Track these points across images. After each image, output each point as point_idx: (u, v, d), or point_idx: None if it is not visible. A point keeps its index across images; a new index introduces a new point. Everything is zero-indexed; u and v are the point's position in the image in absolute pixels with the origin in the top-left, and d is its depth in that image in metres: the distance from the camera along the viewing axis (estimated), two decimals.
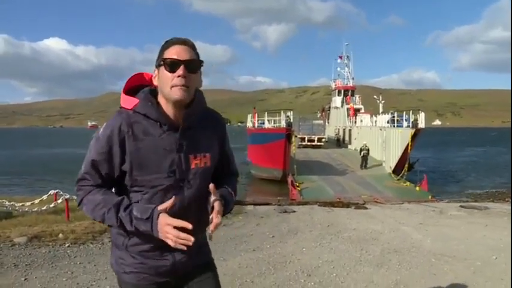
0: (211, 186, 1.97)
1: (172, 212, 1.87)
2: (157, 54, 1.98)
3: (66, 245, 7.21)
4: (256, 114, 31.10)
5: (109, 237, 7.70)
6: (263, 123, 29.69)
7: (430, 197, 18.80)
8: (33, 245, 7.07)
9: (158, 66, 1.96)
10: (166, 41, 1.97)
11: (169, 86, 1.90)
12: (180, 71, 1.88)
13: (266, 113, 30.19)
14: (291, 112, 26.76)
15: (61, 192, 10.22)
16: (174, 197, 1.88)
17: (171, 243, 1.81)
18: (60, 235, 7.63)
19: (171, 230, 1.80)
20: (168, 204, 1.86)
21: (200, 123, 2.06)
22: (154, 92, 2.01)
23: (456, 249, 7.51)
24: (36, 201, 10.14)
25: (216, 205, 1.97)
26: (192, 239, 1.80)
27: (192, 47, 1.96)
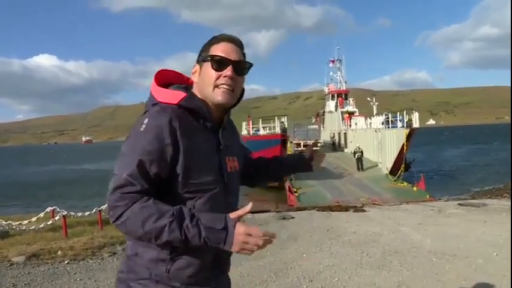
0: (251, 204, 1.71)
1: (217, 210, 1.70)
2: (201, 48, 1.80)
3: (66, 261, 7.15)
4: (251, 122, 31.12)
5: (109, 252, 7.65)
6: (258, 131, 29.69)
7: (427, 196, 18.81)
8: (31, 264, 7.01)
9: (202, 61, 1.76)
10: (215, 36, 1.79)
11: (213, 86, 1.72)
12: (228, 71, 1.71)
13: (260, 120, 30.19)
14: (285, 118, 26.78)
15: (58, 209, 10.15)
16: (250, 203, 1.64)
17: (247, 253, 1.59)
18: (59, 252, 7.57)
19: (251, 239, 1.57)
20: (241, 212, 1.64)
21: (228, 128, 1.92)
22: (183, 89, 1.81)
23: (456, 247, 7.52)
24: (34, 219, 10.06)
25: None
26: (273, 239, 1.63)
27: (241, 47, 1.80)
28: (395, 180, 23.42)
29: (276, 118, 26.74)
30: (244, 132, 32.56)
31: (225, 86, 1.71)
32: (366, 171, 26.89)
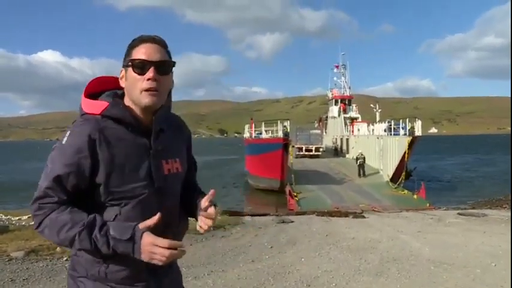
0: (212, 191, 1.85)
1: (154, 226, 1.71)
2: (125, 53, 1.77)
3: (64, 258, 7.15)
4: (254, 125, 31.17)
5: None
6: (260, 134, 29.75)
7: (428, 204, 18.81)
8: (30, 259, 7.02)
9: (125, 66, 1.74)
10: (134, 39, 1.76)
11: (139, 90, 1.70)
12: (150, 73, 1.68)
13: (263, 123, 30.23)
14: (288, 122, 26.81)
15: None
16: (158, 214, 1.66)
17: (158, 262, 1.60)
18: (58, 249, 7.58)
19: (157, 250, 1.58)
20: (150, 222, 1.64)
21: (169, 129, 1.88)
22: (117, 95, 1.82)
23: (455, 256, 7.51)
24: None
25: (213, 209, 1.82)
26: (180, 254, 1.62)
27: (163, 46, 1.76)
28: (395, 188, 23.43)
29: (279, 122, 26.78)
30: (246, 135, 32.62)
31: (150, 89, 1.69)
32: (367, 177, 26.91)
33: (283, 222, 11.74)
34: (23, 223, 9.60)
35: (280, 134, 25.83)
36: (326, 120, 53.25)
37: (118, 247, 1.60)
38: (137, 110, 1.75)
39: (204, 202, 1.83)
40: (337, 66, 51.74)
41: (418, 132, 24.91)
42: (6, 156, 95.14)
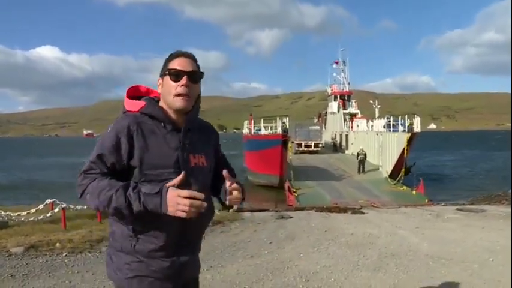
0: (224, 172, 2.10)
1: None
2: (162, 65, 2.15)
3: (64, 254, 7.18)
4: (253, 121, 31.15)
5: (107, 246, 7.68)
6: (259, 130, 29.75)
7: (426, 200, 18.86)
8: (30, 255, 7.03)
9: (163, 75, 2.12)
10: (171, 54, 2.14)
11: (173, 95, 2.06)
12: (184, 80, 2.05)
13: (262, 119, 30.23)
14: (287, 118, 26.82)
15: (57, 201, 10.18)
16: (183, 172, 1.97)
17: (183, 214, 1.85)
18: (58, 244, 7.60)
19: (181, 200, 1.85)
20: (176, 180, 1.94)
21: (197, 129, 2.21)
22: (153, 99, 2.19)
23: (453, 252, 7.54)
24: (33, 210, 10.09)
25: (236, 185, 2.12)
26: (206, 204, 1.90)
27: (194, 60, 2.14)
28: (395, 184, 23.46)
29: (278, 118, 26.78)
30: (245, 131, 32.61)
31: (182, 94, 2.06)
32: (366, 174, 26.95)
33: (282, 218, 11.78)
34: (22, 219, 9.59)
35: (279, 130, 25.83)
36: (325, 116, 53.20)
37: (148, 202, 1.89)
38: (170, 112, 2.11)
39: (227, 185, 2.11)
40: (336, 62, 51.60)
41: (417, 128, 24.93)
42: (5, 153, 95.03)
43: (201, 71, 2.16)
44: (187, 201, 1.84)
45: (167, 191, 1.88)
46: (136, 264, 2.06)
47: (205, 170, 2.21)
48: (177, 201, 1.85)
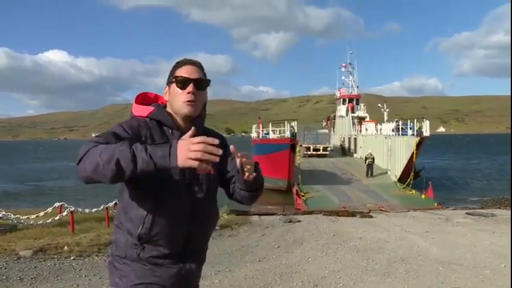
0: (232, 147, 1.96)
1: (182, 213, 1.99)
2: (169, 73, 2.16)
3: (72, 257, 7.20)
4: (261, 125, 31.17)
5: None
6: (268, 134, 29.75)
7: (435, 204, 18.69)
8: (38, 258, 7.06)
9: (169, 83, 2.12)
10: (178, 62, 2.16)
11: (180, 102, 2.06)
12: (190, 88, 2.05)
13: (270, 123, 30.22)
14: (295, 122, 26.79)
15: (66, 205, 10.22)
16: (193, 127, 1.77)
17: (195, 164, 1.62)
18: (66, 248, 7.62)
19: (193, 146, 1.62)
20: (188, 134, 1.72)
21: (202, 135, 2.02)
22: (160, 106, 2.17)
23: (463, 257, 7.45)
24: (41, 213, 10.14)
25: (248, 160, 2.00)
26: (221, 151, 1.65)
27: (201, 68, 2.14)
28: (403, 188, 23.30)
29: (286, 122, 26.76)
30: (254, 134, 32.61)
31: (188, 101, 2.05)
32: (375, 178, 26.80)
33: (290, 221, 11.73)
34: (31, 222, 9.63)
35: (288, 134, 25.81)
36: (334, 119, 53.08)
37: (155, 151, 1.65)
38: (177, 118, 2.11)
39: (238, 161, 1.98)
40: (344, 66, 51.49)
41: (426, 132, 24.77)
42: (16, 157, 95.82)
43: (207, 78, 2.16)
44: (200, 146, 1.62)
45: (176, 141, 1.67)
46: (142, 271, 2.03)
47: (211, 177, 2.16)
48: (189, 146, 1.62)
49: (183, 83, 2.06)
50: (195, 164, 1.62)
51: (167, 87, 2.15)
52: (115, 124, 2.03)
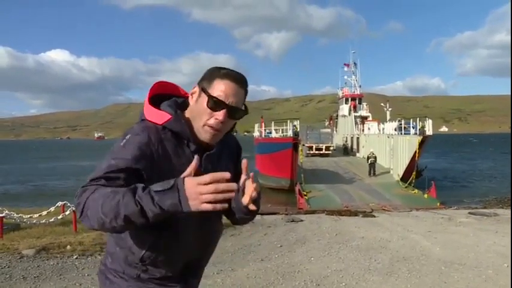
0: (244, 162, 1.75)
1: (193, 238, 1.83)
2: (206, 75, 1.80)
3: (74, 256, 7.22)
4: (264, 124, 31.19)
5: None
6: (270, 133, 29.79)
7: (438, 204, 18.67)
8: (41, 257, 7.08)
9: (203, 91, 1.75)
10: (220, 69, 1.80)
11: (203, 122, 1.74)
12: (221, 116, 1.72)
13: (273, 122, 30.25)
14: (298, 121, 26.80)
15: (68, 204, 10.25)
16: (196, 157, 1.57)
17: (209, 206, 1.44)
18: (68, 247, 7.64)
19: (203, 188, 1.43)
20: (191, 168, 1.53)
21: (219, 146, 1.90)
22: (178, 105, 1.85)
23: (466, 256, 7.44)
24: (44, 213, 10.17)
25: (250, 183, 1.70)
26: (235, 185, 1.48)
27: (244, 88, 1.80)
28: (406, 187, 23.29)
29: (289, 121, 26.78)
30: (256, 134, 32.62)
31: (213, 127, 1.73)
32: (377, 177, 26.79)
33: (292, 221, 11.73)
34: (34, 221, 9.66)
35: (290, 133, 25.82)
36: (336, 119, 53.05)
37: (164, 201, 1.46)
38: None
39: (242, 177, 1.73)
40: (347, 65, 51.47)
41: (428, 131, 24.74)
42: (19, 156, 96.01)
43: (245, 109, 1.82)
44: (211, 187, 1.43)
45: (183, 182, 1.46)
46: None
47: None
48: (199, 190, 1.43)
49: (215, 105, 1.72)
50: (209, 207, 1.45)
51: (197, 90, 1.80)
52: (119, 143, 1.72)
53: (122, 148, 1.68)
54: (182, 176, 1.50)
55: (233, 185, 1.47)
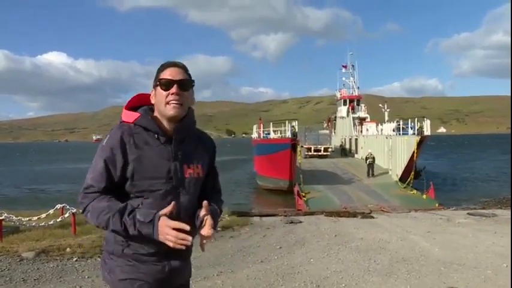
0: (204, 202, 2.13)
1: (169, 218, 2.07)
2: (154, 77, 2.20)
3: (74, 259, 7.22)
4: (262, 125, 31.19)
5: None
6: (268, 134, 29.78)
7: (437, 204, 18.69)
8: (41, 260, 7.08)
9: (155, 86, 2.17)
10: (162, 65, 2.20)
11: (164, 103, 2.12)
12: (174, 89, 2.10)
13: (271, 123, 30.25)
14: (296, 122, 26.79)
15: (68, 207, 10.22)
16: (173, 203, 2.04)
17: (170, 244, 1.96)
18: (68, 249, 7.64)
19: (170, 231, 1.95)
20: (168, 209, 2.01)
21: (194, 139, 2.28)
22: (151, 110, 2.23)
23: (465, 257, 7.46)
24: (43, 215, 10.13)
25: (209, 219, 2.13)
26: (190, 238, 1.98)
27: (184, 69, 2.19)
28: (404, 188, 23.32)
29: (287, 122, 26.79)
30: (254, 135, 32.64)
31: (173, 102, 2.11)
32: (376, 177, 26.80)
33: (291, 222, 11.73)
34: (33, 224, 9.64)
35: (289, 134, 25.81)
36: (335, 120, 53.08)
37: (142, 228, 1.99)
38: (164, 121, 2.16)
39: (201, 216, 2.15)
40: (344, 67, 51.51)
41: (426, 131, 24.78)
42: (16, 158, 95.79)
43: (192, 79, 2.21)
44: (174, 233, 1.94)
45: (159, 219, 1.98)
46: (127, 267, 2.15)
47: (201, 181, 2.29)
48: (166, 231, 1.95)
49: (166, 85, 2.11)
50: (171, 245, 1.96)
51: (153, 91, 2.20)
52: (103, 139, 2.17)
53: (100, 153, 2.13)
54: (160, 213, 2.00)
55: (189, 239, 1.97)
